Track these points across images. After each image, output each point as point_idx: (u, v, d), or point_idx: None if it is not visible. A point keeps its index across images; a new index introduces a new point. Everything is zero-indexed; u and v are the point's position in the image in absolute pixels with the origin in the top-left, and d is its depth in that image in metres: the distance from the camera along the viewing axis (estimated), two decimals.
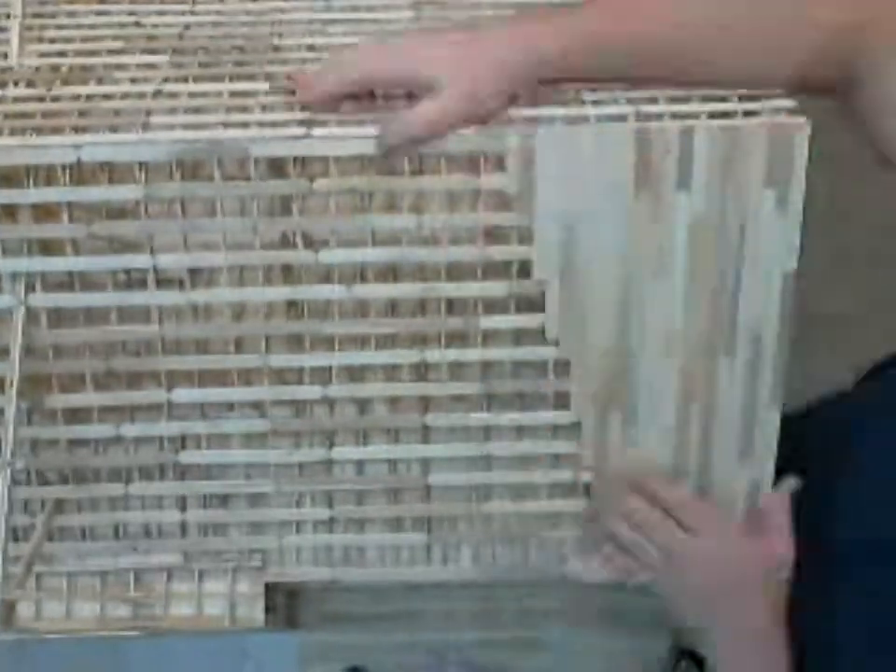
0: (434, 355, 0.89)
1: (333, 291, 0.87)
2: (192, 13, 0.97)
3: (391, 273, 0.87)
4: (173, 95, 0.87)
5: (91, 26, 0.96)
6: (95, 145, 0.82)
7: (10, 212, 0.85)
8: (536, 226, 0.84)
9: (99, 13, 0.97)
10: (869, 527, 0.85)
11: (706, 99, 0.85)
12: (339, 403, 0.92)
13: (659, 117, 0.83)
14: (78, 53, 0.93)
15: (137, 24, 0.96)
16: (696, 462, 0.92)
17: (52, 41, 0.94)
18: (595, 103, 0.85)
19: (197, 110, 0.85)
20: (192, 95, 0.87)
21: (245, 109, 0.85)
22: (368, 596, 1.22)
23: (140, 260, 0.86)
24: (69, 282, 0.87)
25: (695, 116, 0.83)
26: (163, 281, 0.87)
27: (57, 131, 0.83)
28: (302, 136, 0.82)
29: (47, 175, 0.84)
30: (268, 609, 0.98)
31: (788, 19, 0.82)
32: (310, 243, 0.86)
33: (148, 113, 0.85)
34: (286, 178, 0.84)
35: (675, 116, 0.83)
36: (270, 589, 0.98)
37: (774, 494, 0.91)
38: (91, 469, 0.93)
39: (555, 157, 0.82)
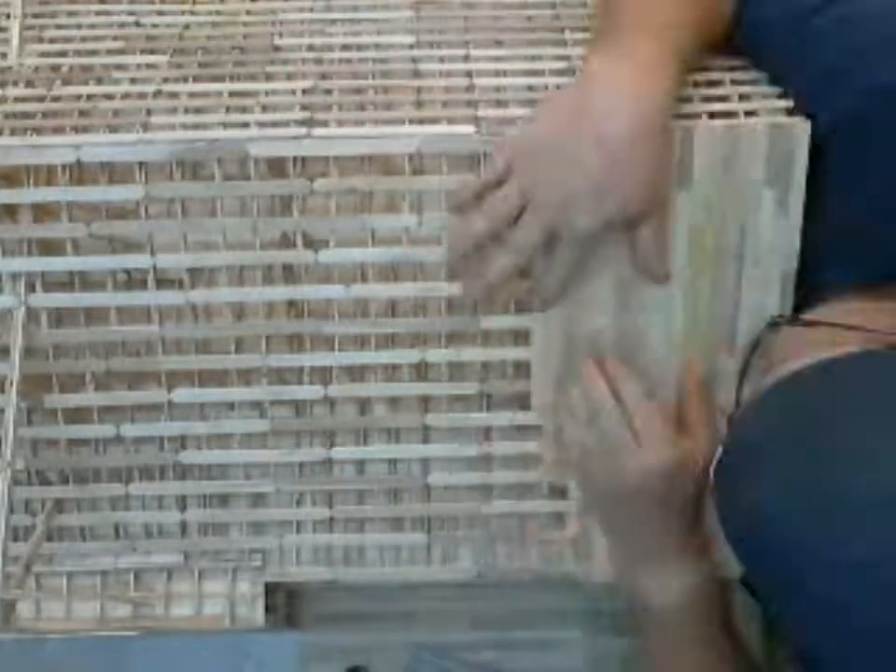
0: (434, 355, 0.89)
1: (333, 291, 0.87)
2: (192, 13, 0.97)
3: (391, 273, 0.87)
4: (173, 95, 0.87)
5: (91, 26, 0.96)
6: (95, 145, 0.83)
7: (10, 212, 0.85)
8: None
9: (99, 13, 0.97)
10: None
11: (706, 99, 0.85)
12: (339, 403, 0.92)
13: None
14: (78, 53, 0.93)
15: (137, 24, 0.96)
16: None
17: (52, 41, 0.94)
18: None
19: (197, 110, 0.86)
20: (192, 95, 0.87)
21: (244, 109, 0.86)
22: (368, 596, 1.21)
23: (140, 260, 0.86)
24: (69, 282, 0.87)
25: (696, 115, 0.83)
26: (163, 281, 0.87)
27: (57, 131, 0.83)
28: (302, 136, 0.83)
29: (47, 175, 0.84)
30: (268, 609, 0.98)
31: None
32: (310, 243, 0.86)
33: (148, 113, 0.85)
34: (285, 178, 0.84)
35: (675, 115, 0.83)
36: (270, 589, 0.98)
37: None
38: (91, 469, 0.93)
39: None
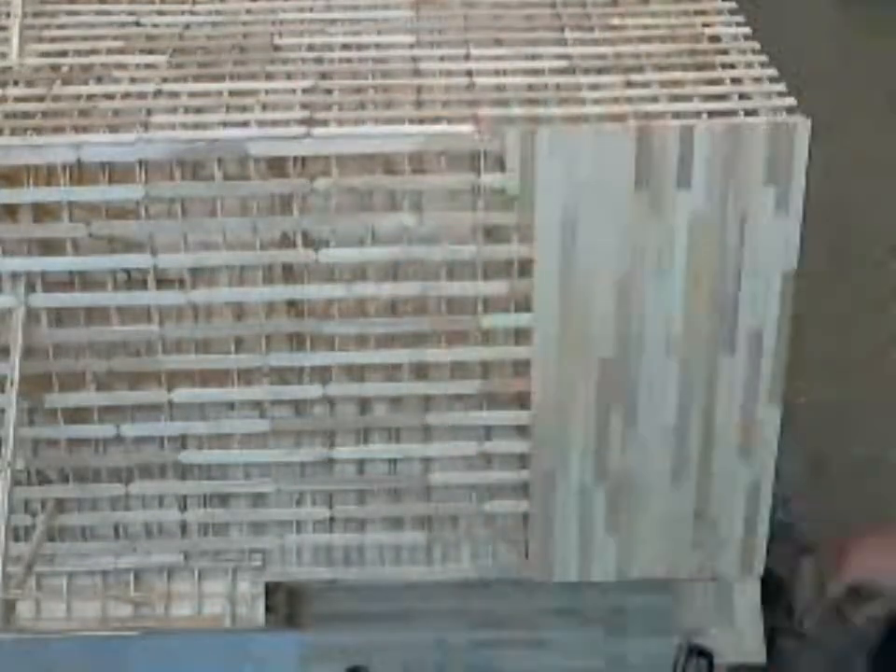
0: (434, 354, 0.89)
1: (333, 291, 0.87)
2: (192, 13, 0.97)
3: (391, 272, 0.87)
4: (173, 95, 0.87)
5: (92, 26, 0.96)
6: (95, 144, 0.82)
7: (11, 212, 0.85)
8: (536, 225, 0.84)
9: (99, 13, 0.97)
10: None
11: (706, 98, 0.85)
12: (339, 403, 0.92)
13: (659, 115, 0.83)
14: (78, 53, 0.93)
15: (137, 24, 0.96)
16: (696, 461, 0.92)
17: (53, 41, 0.94)
18: (596, 102, 0.85)
19: (197, 110, 0.86)
20: (192, 95, 0.87)
21: (244, 109, 0.85)
22: (368, 596, 1.21)
23: (140, 260, 0.86)
24: (69, 281, 0.87)
25: (696, 115, 0.83)
26: (163, 281, 0.87)
27: (57, 130, 0.83)
28: (302, 136, 0.82)
29: (47, 175, 0.84)
30: (268, 609, 0.98)
31: None
32: (310, 242, 0.86)
33: (149, 112, 0.85)
34: (286, 178, 0.84)
35: (675, 115, 0.83)
36: (270, 589, 0.98)
37: None
38: (91, 469, 0.93)
39: (556, 156, 0.82)
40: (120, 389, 0.90)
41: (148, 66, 0.91)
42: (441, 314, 0.88)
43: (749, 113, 0.83)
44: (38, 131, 0.83)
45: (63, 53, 0.93)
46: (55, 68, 0.91)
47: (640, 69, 0.89)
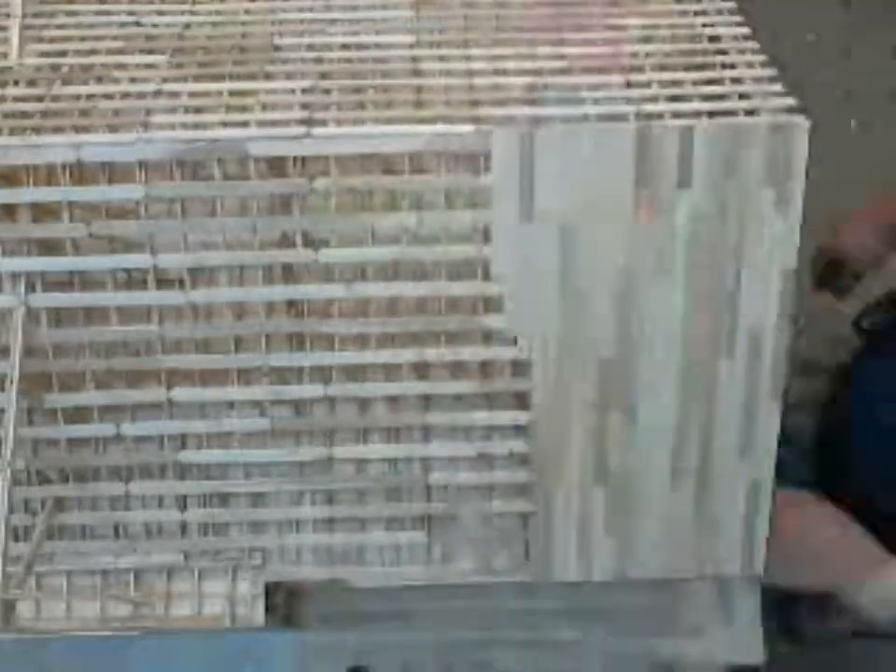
0: (434, 354, 0.89)
1: (333, 290, 0.87)
2: (192, 13, 0.97)
3: (392, 272, 0.87)
4: (173, 95, 0.87)
5: (91, 26, 0.96)
6: (95, 144, 0.82)
7: (10, 211, 0.85)
8: (535, 226, 0.84)
9: (99, 13, 0.97)
10: None
11: (705, 97, 0.85)
12: (339, 402, 0.92)
13: (659, 116, 0.83)
14: (78, 53, 0.93)
15: (137, 24, 0.96)
16: (696, 462, 0.92)
17: (52, 41, 0.94)
18: (595, 102, 0.85)
19: (197, 110, 0.86)
20: (192, 95, 0.87)
21: (244, 109, 0.85)
22: (368, 596, 1.21)
23: (140, 260, 0.86)
24: (69, 281, 0.87)
25: (695, 115, 0.83)
26: (163, 281, 0.87)
27: (57, 130, 0.83)
28: (302, 136, 0.83)
29: (47, 175, 0.84)
30: (268, 609, 0.98)
31: None
32: (310, 242, 0.86)
33: (148, 112, 0.85)
34: (285, 178, 0.84)
35: (675, 115, 0.83)
36: (270, 589, 0.98)
37: None
38: (91, 469, 0.93)
39: (555, 156, 0.82)
40: (120, 389, 0.91)
41: (148, 66, 0.91)
42: (440, 313, 0.88)
43: (748, 113, 0.83)
44: (38, 131, 0.84)
45: (63, 53, 0.93)
46: (55, 68, 0.91)
47: (640, 69, 0.89)
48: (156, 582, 0.97)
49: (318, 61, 0.92)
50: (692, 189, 0.83)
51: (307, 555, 0.97)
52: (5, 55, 0.92)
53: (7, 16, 0.94)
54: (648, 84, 0.87)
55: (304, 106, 0.85)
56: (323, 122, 0.84)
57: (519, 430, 0.92)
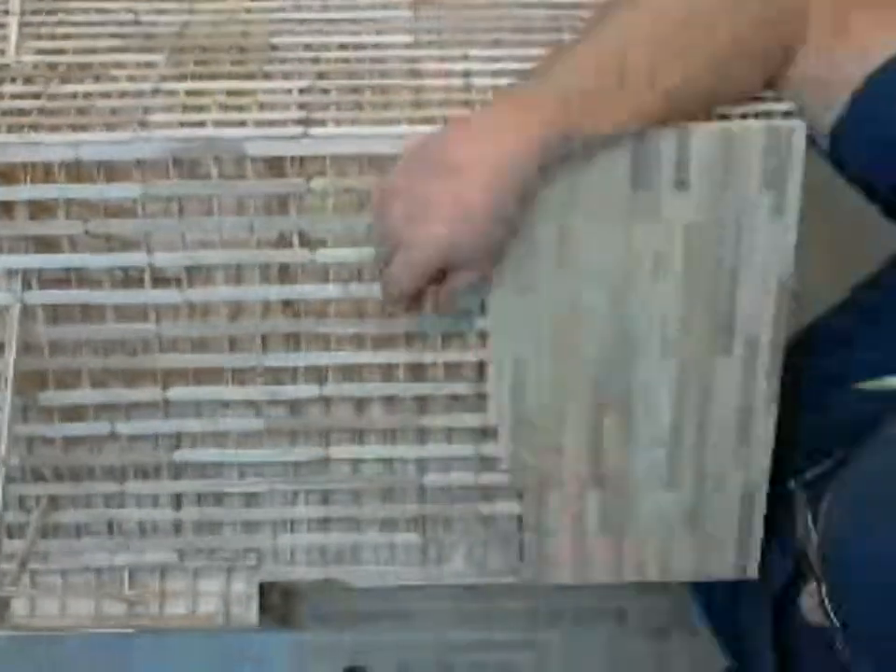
0: (430, 355, 0.89)
1: (329, 291, 0.87)
2: (191, 12, 0.97)
3: None
4: (170, 94, 0.87)
5: (90, 24, 0.95)
6: (93, 143, 0.82)
7: (7, 209, 0.85)
8: (532, 227, 0.84)
9: (98, 11, 0.97)
10: None
11: None
12: (334, 403, 0.92)
13: None
14: (76, 51, 0.93)
15: (136, 22, 0.96)
16: (691, 464, 0.92)
17: (50, 38, 0.94)
18: None
19: (195, 109, 0.86)
20: (190, 94, 0.87)
21: (241, 108, 0.85)
22: (363, 595, 1.22)
23: (137, 258, 0.86)
24: (66, 279, 0.87)
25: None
26: (160, 279, 0.87)
27: (54, 129, 0.83)
28: (299, 136, 0.83)
29: (44, 172, 0.84)
30: (263, 609, 0.98)
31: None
32: (306, 242, 0.86)
33: (146, 111, 0.85)
34: (283, 177, 0.84)
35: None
36: (265, 588, 0.98)
37: None
38: (86, 467, 0.93)
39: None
40: (116, 387, 0.91)
41: (147, 65, 0.91)
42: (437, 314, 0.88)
43: (745, 116, 0.83)
44: (36, 129, 0.84)
45: (61, 51, 0.92)
46: (53, 66, 0.91)
47: None
48: (150, 581, 0.97)
49: (316, 61, 0.92)
50: (688, 192, 0.83)
51: (302, 555, 0.97)
52: (2, 52, 0.92)
53: (6, 13, 0.94)
54: None
55: (302, 106, 0.85)
56: (321, 122, 0.84)
57: (514, 432, 0.92)
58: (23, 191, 0.84)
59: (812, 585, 0.78)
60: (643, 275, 0.86)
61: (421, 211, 0.78)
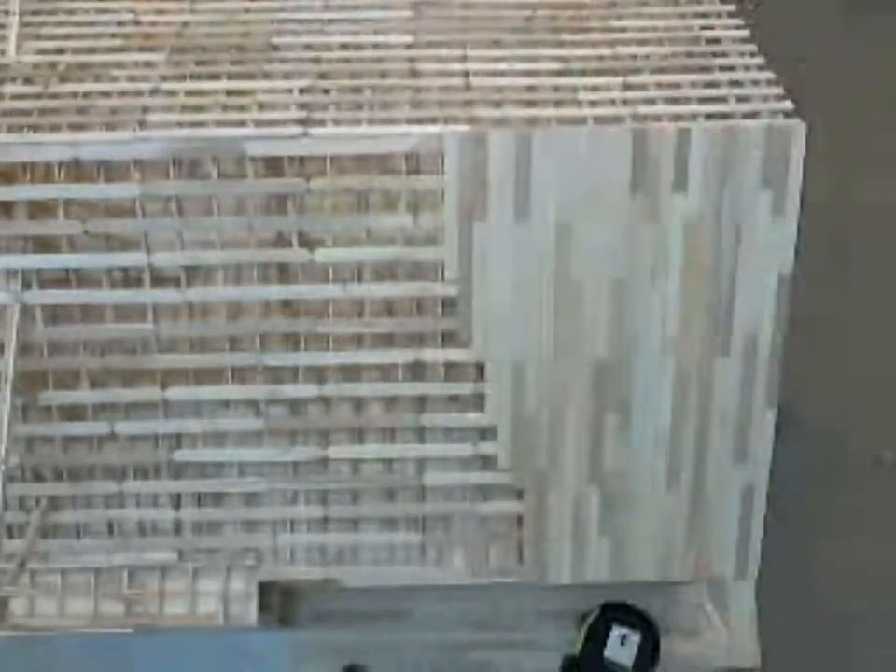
0: (429, 354, 0.89)
1: (329, 290, 0.87)
2: (191, 12, 0.97)
3: (387, 272, 0.87)
4: (170, 93, 0.87)
5: (90, 24, 0.96)
6: (92, 143, 0.82)
7: (6, 209, 0.85)
8: (530, 227, 0.84)
9: (98, 11, 0.97)
10: None
11: (703, 101, 0.85)
12: (334, 403, 0.92)
13: (656, 118, 0.83)
14: (76, 51, 0.93)
15: (136, 22, 0.96)
16: (691, 463, 0.92)
17: (50, 38, 0.94)
18: (592, 104, 0.85)
19: (194, 108, 0.86)
20: (189, 94, 0.87)
21: (241, 108, 0.85)
22: (363, 595, 1.21)
23: (136, 258, 0.86)
24: (65, 279, 0.87)
25: (692, 117, 0.83)
26: (159, 279, 0.87)
27: (54, 128, 0.83)
28: (299, 136, 0.82)
29: (44, 173, 0.84)
30: (262, 608, 0.98)
31: None
32: (306, 242, 0.86)
33: (145, 111, 0.85)
34: (282, 177, 0.84)
35: (672, 117, 0.83)
36: (264, 588, 0.98)
37: None
38: (85, 467, 0.93)
39: (552, 158, 0.82)
40: (115, 387, 0.90)
41: (146, 65, 0.91)
42: (435, 315, 0.88)
43: (746, 116, 0.83)
44: (35, 128, 0.83)
45: (61, 51, 0.93)
46: (52, 66, 0.91)
47: (638, 71, 0.89)
48: (150, 581, 0.96)
49: (316, 60, 0.92)
50: (688, 191, 0.83)
51: (301, 555, 0.97)
52: (2, 52, 0.92)
53: (6, 13, 0.94)
54: (645, 86, 0.87)
55: (302, 106, 0.85)
56: (320, 122, 0.84)
57: (513, 431, 0.92)
58: (23, 191, 0.84)
59: None
60: (643, 275, 0.86)
61: None
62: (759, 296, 0.86)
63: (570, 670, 1.15)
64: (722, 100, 0.85)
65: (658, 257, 0.85)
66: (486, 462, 0.93)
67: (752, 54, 0.90)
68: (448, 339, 0.89)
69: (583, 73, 0.89)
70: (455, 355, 0.89)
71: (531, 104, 0.86)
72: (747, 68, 0.89)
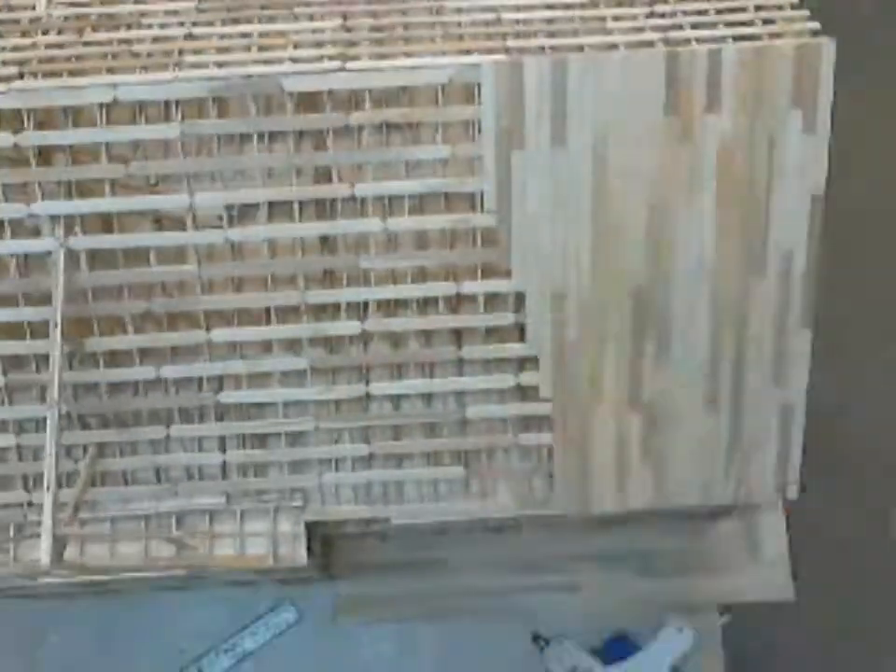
0: (468, 287, 0.90)
1: (370, 223, 0.88)
2: None
3: (425, 206, 0.88)
4: (203, 38, 0.88)
5: None
6: (131, 84, 0.83)
7: (46, 156, 0.86)
8: (567, 154, 0.85)
9: None
10: None
11: (730, 24, 0.86)
12: (373, 340, 0.93)
13: (685, 42, 0.84)
14: (105, 2, 0.93)
15: None
16: (729, 387, 0.93)
17: None
18: (622, 32, 0.86)
19: (228, 50, 0.87)
20: (222, 37, 0.88)
21: (275, 48, 0.86)
22: (400, 545, 1.23)
23: (178, 200, 0.86)
24: (107, 223, 0.88)
25: (721, 40, 0.84)
26: (200, 221, 0.88)
27: (93, 72, 0.84)
28: (337, 69, 0.83)
29: (82, 119, 0.85)
30: (308, 552, 0.99)
31: None
32: (345, 177, 0.87)
33: (181, 53, 0.86)
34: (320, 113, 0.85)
35: (701, 41, 0.84)
36: (309, 533, 0.99)
37: None
38: (131, 413, 0.94)
39: (587, 84, 0.83)
40: (159, 331, 0.91)
41: (176, 13, 0.92)
42: (474, 246, 0.89)
43: (773, 36, 0.84)
44: (73, 73, 0.84)
45: (90, 3, 0.93)
46: (83, 17, 0.92)
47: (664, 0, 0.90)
48: (199, 525, 0.97)
49: (340, 2, 0.92)
50: (720, 112, 0.84)
51: (347, 494, 0.97)
52: (33, 7, 0.93)
53: None
54: (672, 13, 0.88)
55: (336, 43, 0.86)
56: (356, 57, 0.85)
57: (554, 360, 0.93)
58: (63, 137, 0.85)
59: None
60: (679, 198, 0.87)
61: None
62: (793, 215, 0.87)
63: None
64: (749, 23, 0.86)
65: (693, 178, 0.86)
66: (527, 393, 0.94)
67: None
68: (487, 270, 0.90)
69: (609, 3, 0.90)
70: (495, 286, 0.90)
71: (561, 34, 0.87)
72: None
